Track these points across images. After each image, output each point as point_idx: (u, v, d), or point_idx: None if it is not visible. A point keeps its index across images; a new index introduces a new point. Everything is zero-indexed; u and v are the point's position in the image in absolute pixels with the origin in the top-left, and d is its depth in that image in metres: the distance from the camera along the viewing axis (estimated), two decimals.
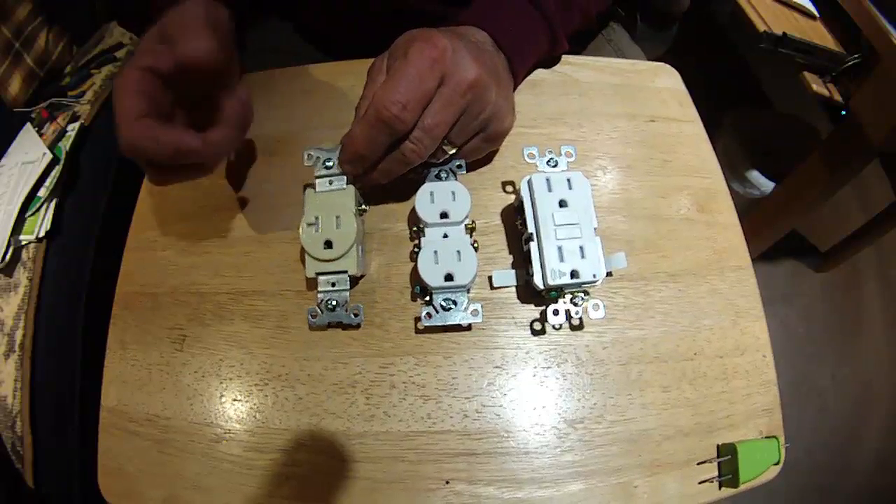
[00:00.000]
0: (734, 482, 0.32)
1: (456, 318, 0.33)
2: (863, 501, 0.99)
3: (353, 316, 0.34)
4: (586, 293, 0.33)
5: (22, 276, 0.54)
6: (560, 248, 0.33)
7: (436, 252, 0.33)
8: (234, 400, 0.34)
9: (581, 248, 0.33)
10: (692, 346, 0.35)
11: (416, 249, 0.36)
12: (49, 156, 0.58)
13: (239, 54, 0.37)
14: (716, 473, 0.33)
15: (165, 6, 0.34)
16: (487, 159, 0.40)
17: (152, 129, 0.30)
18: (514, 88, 0.39)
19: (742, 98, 1.35)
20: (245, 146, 0.42)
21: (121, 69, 0.32)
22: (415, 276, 0.36)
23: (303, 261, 0.36)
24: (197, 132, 0.31)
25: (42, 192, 0.57)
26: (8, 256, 0.54)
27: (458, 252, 0.33)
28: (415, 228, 0.37)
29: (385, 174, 0.34)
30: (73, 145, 0.60)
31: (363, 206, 0.37)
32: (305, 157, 0.35)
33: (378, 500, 0.32)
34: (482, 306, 0.33)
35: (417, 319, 0.35)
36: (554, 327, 0.35)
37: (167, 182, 0.34)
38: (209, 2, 0.34)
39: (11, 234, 0.55)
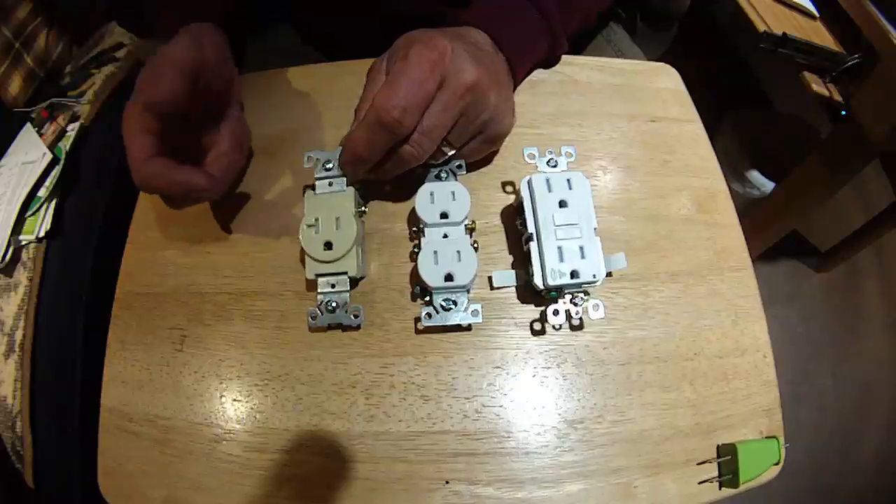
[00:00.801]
0: (734, 482, 0.32)
1: (456, 318, 0.33)
2: (863, 502, 0.99)
3: (353, 317, 0.34)
4: (586, 293, 0.33)
5: (22, 276, 0.54)
6: (560, 249, 0.33)
7: (436, 252, 0.33)
8: (235, 400, 0.34)
9: (581, 248, 0.33)
10: (692, 347, 0.35)
11: (415, 250, 0.36)
12: (49, 156, 0.58)
13: (236, 66, 0.40)
14: (716, 474, 0.33)
15: (168, 25, 0.36)
16: (487, 160, 0.40)
17: (164, 171, 0.32)
18: (514, 89, 0.39)
19: (742, 98, 1.35)
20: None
21: (126, 105, 0.34)
22: (415, 277, 0.36)
23: (303, 261, 0.36)
24: (202, 167, 0.34)
25: (42, 192, 0.57)
26: (8, 256, 0.54)
27: (458, 252, 0.33)
28: (415, 229, 0.37)
29: (384, 174, 0.34)
30: (73, 145, 0.60)
31: (363, 208, 0.37)
32: (305, 159, 0.35)
33: (378, 500, 0.32)
34: (482, 306, 0.33)
35: (417, 320, 0.35)
36: (554, 327, 0.35)
37: (181, 207, 0.36)
38: (201, 30, 0.36)
39: (11, 234, 0.55)
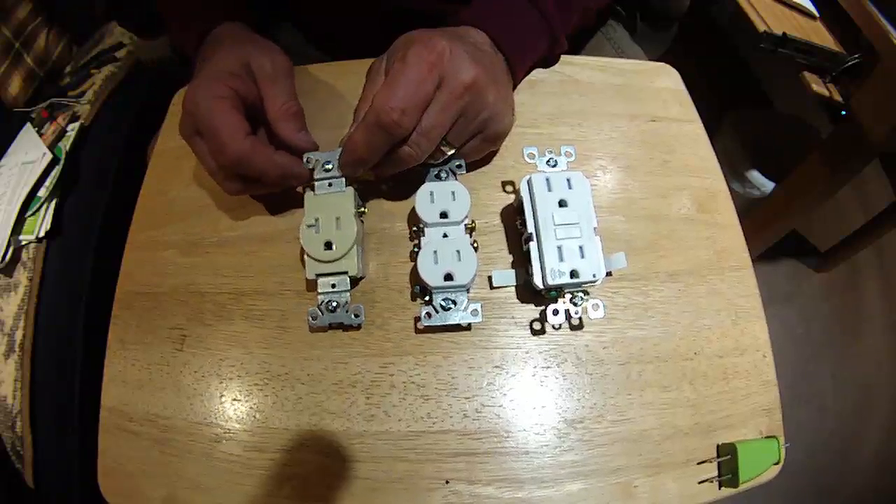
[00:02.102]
0: (734, 482, 0.32)
1: (455, 317, 0.33)
2: (863, 502, 0.99)
3: (353, 317, 0.34)
4: (586, 293, 0.33)
5: (22, 276, 0.54)
6: (560, 248, 0.33)
7: (435, 252, 0.33)
8: (235, 400, 0.34)
9: (581, 247, 0.33)
10: (692, 346, 0.35)
11: (415, 249, 0.36)
12: (49, 156, 0.58)
13: None
14: (715, 473, 0.33)
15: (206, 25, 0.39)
16: (487, 159, 0.40)
17: (266, 149, 0.33)
18: (514, 89, 0.39)
19: (742, 98, 1.35)
20: None
21: (201, 82, 0.34)
22: (414, 276, 0.36)
23: (303, 261, 0.36)
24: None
25: (42, 192, 0.57)
26: (8, 256, 0.54)
27: (458, 252, 0.33)
28: (414, 228, 0.37)
29: (383, 173, 0.34)
30: (73, 145, 0.60)
31: (363, 208, 0.37)
32: (305, 159, 0.35)
33: (378, 500, 0.32)
34: (482, 306, 0.33)
35: (417, 319, 0.35)
36: (554, 327, 0.35)
37: (243, 193, 0.37)
38: (268, 44, 0.39)
39: (11, 234, 0.55)
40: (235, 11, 0.41)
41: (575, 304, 0.33)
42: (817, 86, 0.73)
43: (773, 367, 0.36)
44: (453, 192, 0.34)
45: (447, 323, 0.33)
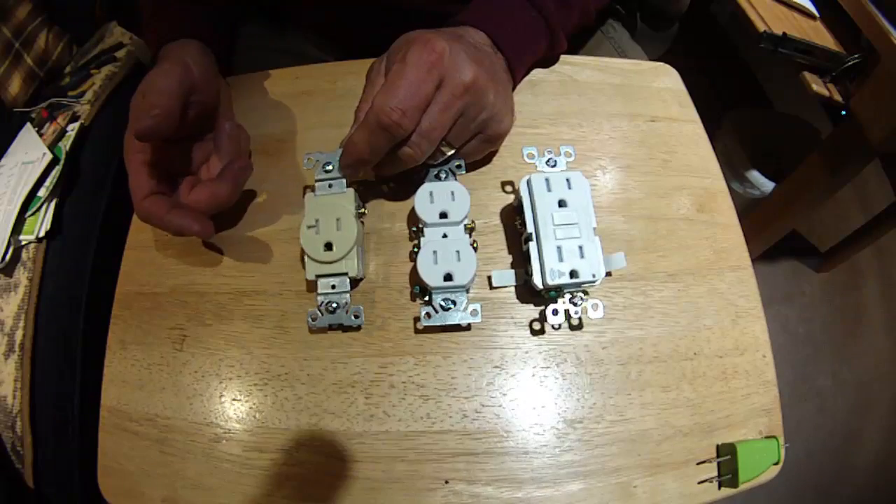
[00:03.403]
0: (734, 482, 0.32)
1: (455, 318, 0.33)
2: (862, 501, 0.99)
3: (353, 318, 0.34)
4: (585, 293, 0.33)
5: (22, 276, 0.54)
6: (559, 248, 0.33)
7: (435, 252, 0.33)
8: (234, 400, 0.34)
9: (580, 247, 0.33)
10: (692, 346, 0.35)
11: (415, 249, 0.36)
12: (49, 156, 0.58)
13: (226, 67, 0.42)
14: (715, 473, 0.33)
15: (157, 38, 0.40)
16: (487, 159, 0.40)
17: (160, 211, 0.34)
18: (513, 88, 0.39)
19: (742, 98, 1.35)
20: None
21: (125, 138, 0.36)
22: (414, 276, 0.36)
23: (302, 261, 0.36)
24: (195, 209, 0.35)
25: (42, 192, 0.57)
26: (8, 256, 0.54)
27: (458, 252, 0.33)
28: (414, 228, 0.37)
29: (384, 173, 0.35)
30: (73, 145, 0.60)
31: (362, 209, 0.37)
32: (305, 160, 0.36)
33: (378, 500, 0.32)
34: (481, 306, 0.33)
35: (417, 319, 0.35)
36: (553, 327, 0.35)
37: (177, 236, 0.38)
38: (183, 51, 0.38)
39: (11, 234, 0.55)
40: (192, 31, 0.41)
41: (574, 304, 0.33)
42: (817, 86, 0.73)
43: (773, 367, 0.36)
44: (453, 193, 0.34)
45: (447, 323, 0.33)
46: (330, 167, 0.35)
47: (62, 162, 0.58)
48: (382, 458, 0.32)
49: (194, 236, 0.37)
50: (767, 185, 1.02)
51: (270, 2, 0.55)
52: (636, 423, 0.33)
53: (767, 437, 0.33)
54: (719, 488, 0.33)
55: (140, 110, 0.33)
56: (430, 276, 0.32)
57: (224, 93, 0.41)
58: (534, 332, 0.35)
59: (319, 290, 0.34)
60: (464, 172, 0.37)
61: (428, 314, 0.33)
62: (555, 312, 0.33)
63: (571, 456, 0.32)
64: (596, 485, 0.32)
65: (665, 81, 0.45)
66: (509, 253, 0.37)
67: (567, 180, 0.34)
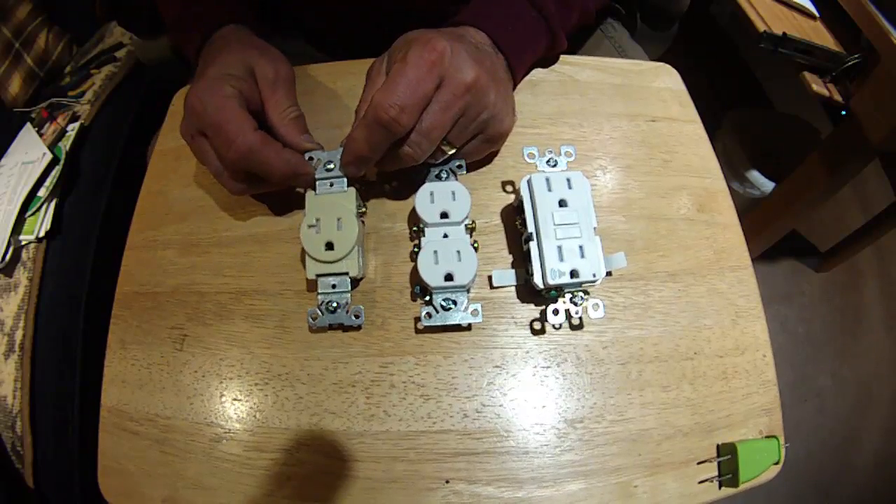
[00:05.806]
0: (734, 482, 0.32)
1: (456, 317, 0.33)
2: (862, 501, 0.99)
3: (353, 317, 0.34)
4: (586, 293, 0.33)
5: (22, 276, 0.54)
6: (560, 248, 0.33)
7: (436, 252, 0.33)
8: (235, 399, 0.34)
9: (580, 247, 0.33)
10: (692, 346, 0.35)
11: (415, 249, 0.36)
12: (49, 156, 0.58)
13: None
14: (715, 473, 0.33)
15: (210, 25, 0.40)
16: (487, 159, 0.40)
17: (276, 143, 0.34)
18: (514, 88, 0.39)
19: (742, 98, 1.35)
20: None
21: (206, 82, 0.34)
22: (415, 276, 0.36)
23: (303, 261, 0.36)
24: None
25: (42, 192, 0.57)
26: (8, 256, 0.54)
27: (458, 252, 0.33)
28: (415, 228, 0.37)
29: (386, 167, 0.35)
30: (73, 145, 0.60)
31: (363, 209, 0.37)
32: (307, 158, 0.35)
33: (378, 500, 0.32)
34: (482, 306, 0.33)
35: (417, 319, 0.35)
36: (554, 327, 0.35)
37: (246, 193, 0.37)
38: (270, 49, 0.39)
39: (11, 234, 0.55)
40: (241, 14, 0.41)
41: (575, 304, 0.33)
42: (817, 86, 0.73)
43: (773, 366, 0.36)
44: (453, 192, 0.34)
45: (447, 323, 0.33)
46: (331, 166, 0.35)
47: (62, 162, 0.58)
48: (383, 457, 0.32)
49: (295, 183, 0.35)
50: (767, 185, 1.02)
51: (271, 2, 0.55)
52: (636, 423, 0.33)
53: (768, 437, 0.33)
54: (720, 488, 0.33)
55: (271, 91, 0.35)
56: (431, 276, 0.32)
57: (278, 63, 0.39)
58: (534, 332, 0.35)
59: (320, 290, 0.34)
60: (464, 172, 0.37)
61: (428, 314, 0.33)
62: (555, 312, 0.33)
63: (572, 456, 0.32)
64: (596, 484, 0.32)
65: (665, 81, 0.45)
66: (510, 253, 0.37)
67: (567, 180, 0.34)
